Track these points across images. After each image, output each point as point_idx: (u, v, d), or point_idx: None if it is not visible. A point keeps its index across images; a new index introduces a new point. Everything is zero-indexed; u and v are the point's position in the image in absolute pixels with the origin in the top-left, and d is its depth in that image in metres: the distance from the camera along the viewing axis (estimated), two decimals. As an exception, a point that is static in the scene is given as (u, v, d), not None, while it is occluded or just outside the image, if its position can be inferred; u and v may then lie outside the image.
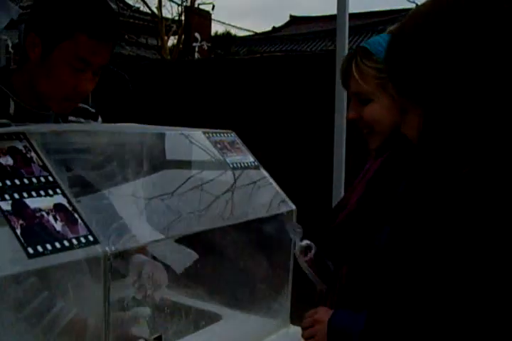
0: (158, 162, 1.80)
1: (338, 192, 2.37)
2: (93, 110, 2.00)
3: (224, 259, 1.98)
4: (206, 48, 14.55)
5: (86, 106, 1.97)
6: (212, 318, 1.93)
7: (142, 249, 1.73)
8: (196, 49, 13.97)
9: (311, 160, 3.79)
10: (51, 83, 1.68)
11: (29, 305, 1.29)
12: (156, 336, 1.24)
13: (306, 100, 5.02)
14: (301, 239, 1.69)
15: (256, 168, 1.93)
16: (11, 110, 1.72)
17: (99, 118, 2.02)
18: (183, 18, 15.94)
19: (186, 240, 1.86)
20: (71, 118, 1.91)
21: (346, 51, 2.73)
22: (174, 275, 2.02)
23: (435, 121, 1.08)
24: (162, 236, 1.59)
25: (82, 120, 1.94)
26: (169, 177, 1.82)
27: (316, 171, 3.10)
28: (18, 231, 1.14)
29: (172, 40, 16.83)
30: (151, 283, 1.71)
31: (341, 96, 2.61)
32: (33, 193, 1.23)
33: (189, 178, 1.78)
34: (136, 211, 1.67)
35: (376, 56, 1.58)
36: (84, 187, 1.53)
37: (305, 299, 1.96)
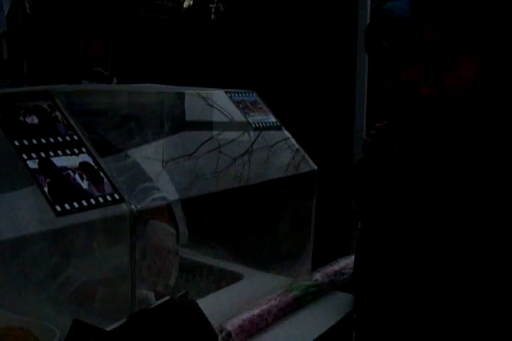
0: (180, 122, 1.80)
1: (359, 152, 2.35)
2: (106, 73, 1.99)
3: (246, 219, 1.99)
4: (222, 10, 14.41)
5: (99, 69, 1.96)
6: (234, 277, 1.95)
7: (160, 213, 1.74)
8: (212, 10, 13.86)
9: (332, 120, 3.78)
10: (62, 48, 1.67)
11: (56, 263, 1.31)
12: (181, 293, 1.26)
13: (327, 60, 4.96)
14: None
15: (278, 127, 1.92)
16: (24, 70, 1.72)
17: (114, 80, 2.01)
18: (198, -22, 15.77)
19: (208, 200, 1.87)
20: (84, 81, 1.90)
21: (368, 10, 2.68)
22: (196, 235, 2.04)
23: (497, 67, 1.04)
24: (185, 195, 1.60)
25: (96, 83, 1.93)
26: (191, 137, 1.82)
27: (338, 131, 3.09)
28: (46, 190, 1.15)
29: (188, 2, 16.67)
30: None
31: (362, 55, 2.57)
32: (59, 152, 1.23)
33: (211, 138, 1.78)
34: (158, 171, 1.67)
35: (403, 22, 1.54)
36: (107, 147, 1.53)
37: (326, 258, 1.97)
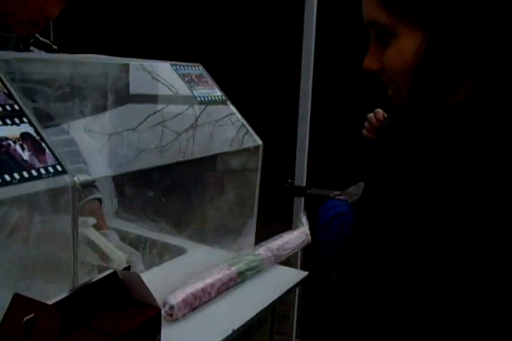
0: (124, 94, 1.78)
1: (304, 127, 2.35)
2: (55, 47, 1.95)
3: (190, 194, 1.98)
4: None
5: (48, 41, 1.92)
6: (178, 251, 1.95)
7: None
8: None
9: (278, 95, 3.77)
10: (17, 4, 1.63)
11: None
12: (124, 266, 1.24)
13: (273, 35, 4.93)
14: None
15: (223, 102, 1.91)
16: None
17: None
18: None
19: (152, 173, 1.85)
20: (33, 48, 1.86)
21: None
22: (139, 209, 2.02)
23: (441, 44, 1.03)
24: (128, 169, 1.58)
25: (44, 53, 1.89)
26: (135, 109, 1.79)
27: (283, 106, 3.09)
28: (-15, 160, 1.12)
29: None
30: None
31: (309, 27, 2.49)
32: (-1, 121, 1.20)
33: (155, 111, 1.76)
34: (100, 144, 1.65)
35: None
36: (48, 118, 1.50)
37: (270, 233, 1.98)
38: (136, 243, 2.02)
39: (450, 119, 1.05)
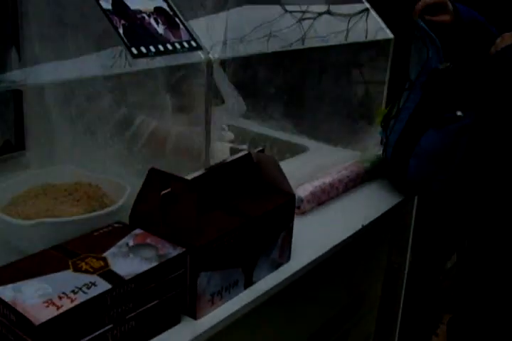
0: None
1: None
2: None
3: (313, 90, 1.90)
4: None
5: None
6: (299, 149, 1.89)
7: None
8: None
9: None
10: None
11: (127, 111, 1.25)
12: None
13: None
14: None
15: (356, -6, 1.80)
16: None
17: None
18: None
19: (273, 66, 1.78)
20: None
21: None
22: (260, 107, 1.96)
23: None
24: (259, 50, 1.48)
25: None
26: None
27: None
28: (121, 31, 1.07)
29: None
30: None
31: None
32: (132, -5, 1.15)
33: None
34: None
35: None
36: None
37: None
38: (256, 141, 1.97)
39: None
